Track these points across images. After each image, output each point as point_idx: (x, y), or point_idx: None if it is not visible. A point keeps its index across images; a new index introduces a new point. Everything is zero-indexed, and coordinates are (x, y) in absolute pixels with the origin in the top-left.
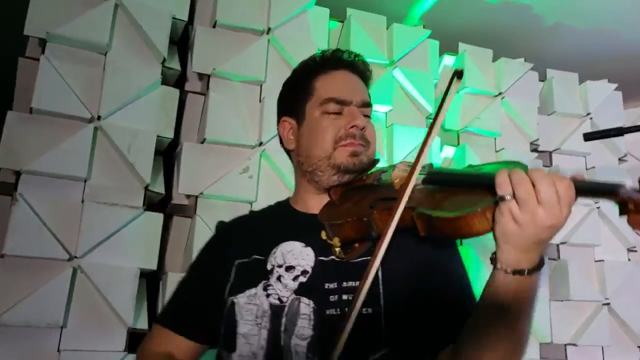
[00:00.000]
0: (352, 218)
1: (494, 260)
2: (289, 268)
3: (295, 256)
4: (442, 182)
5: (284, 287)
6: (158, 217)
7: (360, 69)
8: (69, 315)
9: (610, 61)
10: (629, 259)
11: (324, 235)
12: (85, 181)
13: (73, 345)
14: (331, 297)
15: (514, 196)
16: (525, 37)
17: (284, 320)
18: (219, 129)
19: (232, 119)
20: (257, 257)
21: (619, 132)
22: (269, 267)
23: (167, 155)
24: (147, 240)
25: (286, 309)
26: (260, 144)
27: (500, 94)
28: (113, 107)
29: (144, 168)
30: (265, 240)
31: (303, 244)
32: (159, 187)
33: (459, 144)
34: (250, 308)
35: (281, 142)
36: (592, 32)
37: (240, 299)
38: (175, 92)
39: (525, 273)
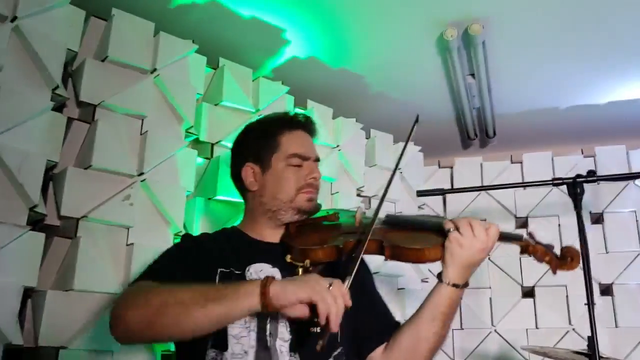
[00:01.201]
0: (327, 245)
1: (439, 276)
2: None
3: (266, 275)
4: (399, 224)
5: None
6: (40, 237)
7: (313, 130)
8: None
9: (418, 126)
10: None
11: (289, 258)
12: None
13: None
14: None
15: (457, 230)
16: (357, 100)
17: (268, 325)
18: (104, 157)
19: (117, 149)
20: (234, 270)
21: (442, 192)
22: (249, 278)
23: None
24: (29, 258)
25: (268, 317)
26: (141, 174)
27: (337, 146)
28: (3, 127)
29: (33, 189)
30: (238, 258)
31: (270, 266)
32: (41, 208)
33: None
34: None
35: (235, 180)
36: (404, 102)
37: None
38: (62, 118)
39: (460, 287)
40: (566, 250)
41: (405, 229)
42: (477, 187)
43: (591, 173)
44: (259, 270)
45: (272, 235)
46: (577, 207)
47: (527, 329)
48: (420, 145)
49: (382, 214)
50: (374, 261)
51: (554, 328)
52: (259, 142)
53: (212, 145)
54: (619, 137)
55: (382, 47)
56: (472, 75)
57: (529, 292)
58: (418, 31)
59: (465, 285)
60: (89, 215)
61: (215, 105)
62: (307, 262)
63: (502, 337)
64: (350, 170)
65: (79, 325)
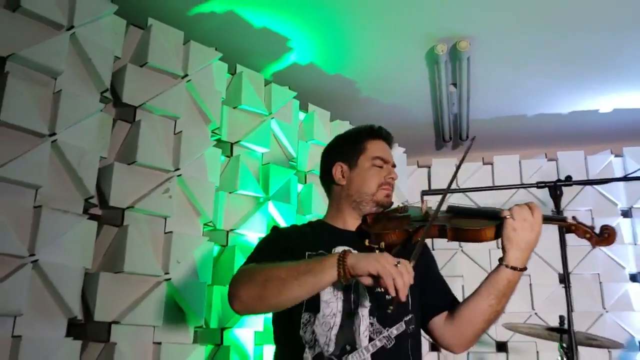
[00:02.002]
0: (399, 230)
1: (500, 260)
2: None
3: None
4: (460, 212)
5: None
6: (94, 224)
7: (391, 141)
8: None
9: (402, 129)
10: None
11: (367, 242)
12: (37, 189)
13: (25, 331)
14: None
15: (511, 216)
16: (350, 104)
17: (352, 295)
18: (146, 154)
19: (156, 147)
20: (322, 251)
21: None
22: None
23: None
24: (85, 243)
25: (352, 288)
26: (177, 169)
27: None
28: (63, 126)
29: (90, 182)
30: (324, 242)
31: (351, 249)
32: (94, 199)
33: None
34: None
35: (326, 176)
36: (391, 106)
37: None
38: (109, 118)
39: (517, 270)
40: (604, 228)
41: (465, 216)
42: (479, 187)
43: (569, 178)
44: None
45: (352, 223)
46: (557, 205)
47: None
48: (403, 147)
49: (444, 206)
50: None
51: (520, 312)
52: (349, 146)
53: (232, 144)
54: (578, 143)
55: (376, 56)
56: (454, 84)
57: None
58: (411, 44)
59: (524, 269)
60: (134, 205)
61: (234, 108)
62: (382, 244)
63: None
64: None
65: (128, 303)
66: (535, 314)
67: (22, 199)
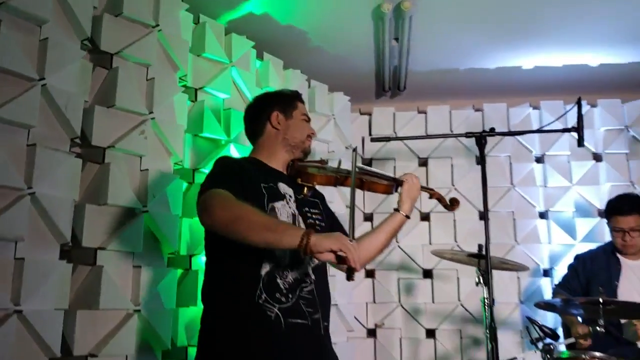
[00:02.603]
0: (329, 174)
1: (396, 209)
2: (290, 196)
3: (288, 190)
4: (369, 172)
5: (292, 205)
6: (79, 162)
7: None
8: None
9: (346, 78)
10: None
11: (299, 180)
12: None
13: (25, 254)
14: (307, 214)
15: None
16: (300, 53)
17: (297, 222)
18: (123, 98)
19: (132, 92)
20: (272, 184)
21: (388, 139)
22: (282, 192)
23: None
24: (72, 178)
25: (296, 217)
26: (151, 112)
27: None
28: (51, 71)
29: (76, 123)
30: (270, 177)
31: (287, 186)
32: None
33: None
34: (285, 210)
35: (261, 120)
36: (338, 56)
37: (277, 205)
38: (89, 65)
39: (407, 217)
40: (452, 199)
41: (373, 175)
42: (418, 136)
43: (492, 129)
44: (284, 187)
45: (282, 165)
46: (482, 152)
47: (422, 245)
48: (348, 96)
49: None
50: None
51: (444, 244)
52: (284, 100)
53: (196, 90)
54: (502, 96)
55: (327, 9)
56: (397, 39)
57: (425, 217)
58: (359, 1)
59: (409, 217)
60: (115, 145)
61: (198, 56)
62: (314, 183)
63: (404, 251)
64: None
65: (111, 231)
66: (458, 245)
67: (17, 138)
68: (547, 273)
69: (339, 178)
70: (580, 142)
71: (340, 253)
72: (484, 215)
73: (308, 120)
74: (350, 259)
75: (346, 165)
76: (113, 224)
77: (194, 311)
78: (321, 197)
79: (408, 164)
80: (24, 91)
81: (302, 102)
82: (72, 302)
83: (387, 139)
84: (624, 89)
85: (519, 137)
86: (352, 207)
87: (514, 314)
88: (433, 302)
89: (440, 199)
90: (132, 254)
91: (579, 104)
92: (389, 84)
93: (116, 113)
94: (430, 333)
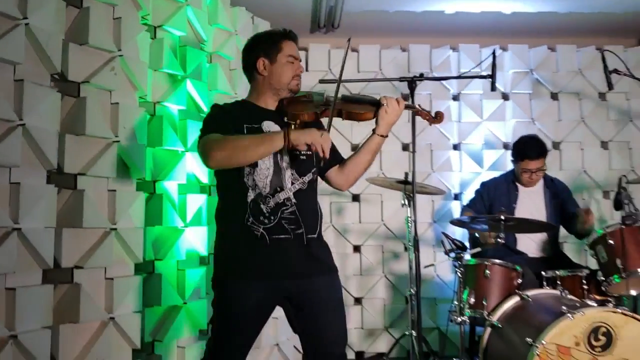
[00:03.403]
0: (310, 111)
1: (374, 131)
2: None
3: (272, 128)
4: (351, 100)
5: None
6: (58, 95)
7: (297, 41)
8: None
9: (282, 14)
10: None
11: (285, 119)
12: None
13: (19, 179)
14: (296, 151)
15: (386, 103)
16: None
17: (278, 156)
18: (95, 36)
19: (102, 30)
20: (255, 125)
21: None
22: (264, 130)
23: None
24: (53, 110)
25: (278, 152)
26: (119, 49)
27: (235, 31)
28: (33, 11)
29: (56, 60)
30: (256, 117)
31: (274, 123)
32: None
33: None
34: None
35: (250, 68)
36: None
37: None
38: (62, 4)
39: (384, 137)
40: (437, 113)
41: (354, 102)
42: (360, 79)
43: (422, 75)
44: (269, 125)
45: (272, 104)
46: (412, 94)
47: None
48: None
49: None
50: None
51: (371, 171)
52: (268, 45)
53: (155, 28)
54: (426, 38)
55: None
56: None
57: (354, 147)
58: None
59: (386, 136)
60: (89, 80)
61: None
62: (298, 121)
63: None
64: None
65: (88, 159)
66: (383, 173)
67: (5, 75)
68: (457, 197)
69: (318, 114)
70: (493, 88)
71: (311, 145)
72: (407, 147)
73: (295, 59)
74: (318, 149)
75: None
76: (90, 153)
77: (159, 230)
78: (316, 125)
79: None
80: (9, 30)
81: (291, 39)
82: (58, 221)
83: (334, 82)
84: (531, 36)
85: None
86: (333, 105)
87: (428, 232)
88: (360, 222)
89: (425, 115)
90: (107, 179)
91: (494, 55)
92: (324, 22)
93: (89, 50)
94: (357, 249)
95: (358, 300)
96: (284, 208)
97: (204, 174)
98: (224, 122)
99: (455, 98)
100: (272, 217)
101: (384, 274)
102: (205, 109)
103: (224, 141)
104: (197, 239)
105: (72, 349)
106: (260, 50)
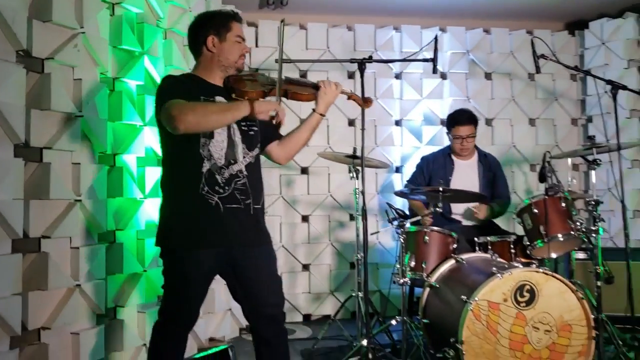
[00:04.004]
0: (258, 89)
1: (314, 110)
2: None
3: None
4: (294, 82)
5: None
6: (23, 71)
7: (241, 22)
8: None
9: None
10: None
11: (234, 95)
12: None
13: None
14: (241, 122)
15: (324, 86)
16: None
17: (231, 130)
18: (59, 14)
19: (66, 6)
20: (209, 98)
21: (299, 61)
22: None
23: None
24: (17, 84)
25: (230, 126)
26: (82, 27)
27: (189, 8)
28: None
29: (21, 36)
30: (208, 91)
31: (223, 98)
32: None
33: None
34: None
35: (199, 44)
36: None
37: None
38: None
39: (323, 116)
40: (366, 98)
41: (297, 84)
42: (312, 59)
43: (370, 57)
44: (220, 99)
45: (219, 81)
46: (362, 74)
47: None
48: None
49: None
50: None
51: (319, 145)
52: (219, 24)
53: (114, 5)
54: (371, 17)
55: None
56: None
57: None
58: None
59: (324, 115)
60: (54, 57)
61: None
62: (246, 98)
63: None
64: None
65: (53, 133)
66: (330, 147)
67: None
68: (398, 170)
69: (266, 92)
70: (435, 71)
71: (272, 113)
72: (352, 122)
73: (242, 39)
74: (281, 116)
75: (273, 75)
76: (55, 127)
77: (120, 201)
78: None
79: (289, 74)
80: None
81: (239, 21)
82: (26, 193)
83: (291, 61)
84: (468, 18)
85: (383, 57)
86: (279, 80)
87: (372, 202)
88: (308, 193)
89: (356, 99)
90: (72, 152)
91: (436, 40)
92: None
93: (52, 27)
94: (305, 219)
95: (306, 267)
96: (237, 179)
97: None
98: (184, 90)
99: (398, 77)
100: (227, 187)
101: (330, 242)
102: None
103: (195, 105)
104: (155, 210)
105: (40, 315)
106: (210, 28)
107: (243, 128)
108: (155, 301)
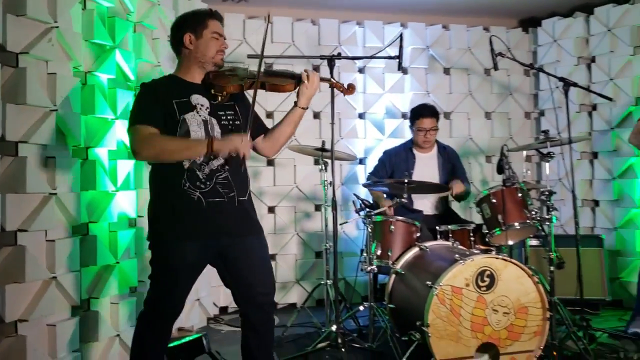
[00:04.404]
0: (235, 83)
1: (295, 103)
2: (202, 105)
3: (200, 100)
4: (273, 73)
5: (204, 113)
6: None
7: (222, 21)
8: None
9: None
10: None
11: (213, 91)
12: None
13: None
14: (222, 117)
15: (307, 77)
16: None
17: (209, 126)
18: (34, 9)
19: (42, 3)
20: (183, 99)
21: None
22: (193, 103)
23: None
24: None
25: (209, 122)
26: (55, 21)
27: (157, 2)
28: None
29: None
30: (184, 92)
31: (201, 96)
32: None
33: None
34: (195, 120)
35: (178, 43)
36: None
37: (187, 116)
38: None
39: (305, 109)
40: (349, 85)
41: (276, 76)
42: (287, 55)
43: (338, 54)
44: (197, 97)
45: (198, 78)
46: (331, 71)
47: None
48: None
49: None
50: None
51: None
52: (195, 22)
53: (85, 1)
54: (335, 12)
55: None
56: None
57: (269, 114)
58: None
59: (307, 108)
60: (29, 51)
61: None
62: (225, 92)
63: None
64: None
65: (28, 127)
66: (296, 139)
67: None
68: (362, 161)
69: (244, 85)
70: (400, 68)
71: (233, 153)
72: (317, 115)
73: (220, 35)
74: (240, 154)
75: (252, 68)
76: (30, 121)
77: (93, 194)
78: (239, 98)
79: (255, 68)
80: None
81: (217, 18)
82: (1, 187)
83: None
84: (428, 14)
85: (347, 51)
86: (252, 105)
87: (337, 193)
88: (274, 185)
89: (339, 87)
90: (46, 146)
91: (401, 38)
92: None
93: (26, 22)
94: (271, 209)
95: (272, 257)
96: (218, 174)
97: None
98: (153, 109)
99: (361, 71)
100: (208, 183)
101: (296, 232)
102: (132, 77)
103: (153, 142)
104: (126, 203)
105: (18, 307)
106: (187, 26)
107: (223, 122)
108: (128, 292)
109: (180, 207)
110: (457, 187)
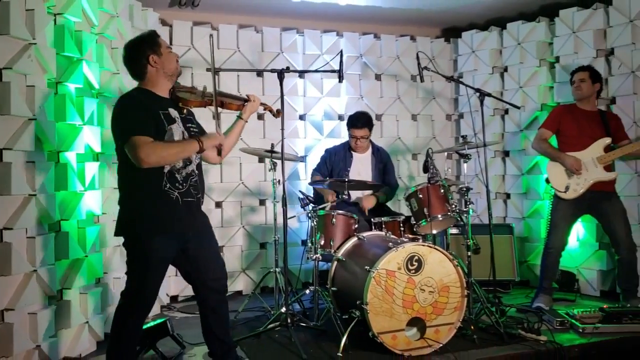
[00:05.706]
0: (198, 100)
1: (239, 117)
2: (177, 117)
3: (175, 113)
4: (227, 95)
5: (181, 124)
6: None
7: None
8: None
9: None
10: None
11: (180, 104)
12: None
13: None
14: (190, 128)
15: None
16: None
17: (184, 136)
18: (16, 28)
19: (18, 21)
20: (164, 111)
21: (234, 70)
22: (172, 116)
23: None
24: None
25: (184, 132)
26: (34, 38)
27: (117, 14)
28: None
29: None
30: (162, 105)
31: (173, 109)
32: None
33: None
34: (177, 130)
35: (141, 64)
36: None
37: (173, 126)
38: None
39: (246, 122)
40: (277, 110)
41: (230, 97)
42: (238, 69)
43: (287, 68)
44: (173, 111)
45: (165, 91)
46: (281, 82)
47: None
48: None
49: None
50: None
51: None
52: (151, 43)
53: (56, 15)
54: (277, 19)
55: None
56: None
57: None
58: None
59: (246, 121)
60: (12, 67)
61: None
62: (191, 106)
63: None
64: (124, 33)
65: (10, 135)
66: (242, 140)
67: None
68: (302, 159)
69: (206, 102)
70: (340, 80)
71: (218, 146)
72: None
73: (170, 49)
74: (222, 147)
75: (209, 90)
76: (13, 130)
77: (64, 194)
78: (191, 112)
79: (202, 72)
80: None
81: (159, 36)
82: None
83: (221, 70)
84: (362, 22)
85: (289, 58)
86: (216, 113)
87: (280, 189)
88: (221, 181)
89: (271, 110)
90: (27, 152)
91: (341, 54)
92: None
93: (9, 39)
94: (218, 204)
95: (220, 249)
96: (192, 177)
97: (97, 144)
98: (146, 120)
99: (301, 76)
100: (184, 184)
101: (241, 225)
102: (97, 85)
103: (155, 149)
104: (93, 201)
105: (5, 297)
106: (146, 49)
107: (192, 132)
108: (94, 283)
109: (160, 204)
110: (367, 202)
